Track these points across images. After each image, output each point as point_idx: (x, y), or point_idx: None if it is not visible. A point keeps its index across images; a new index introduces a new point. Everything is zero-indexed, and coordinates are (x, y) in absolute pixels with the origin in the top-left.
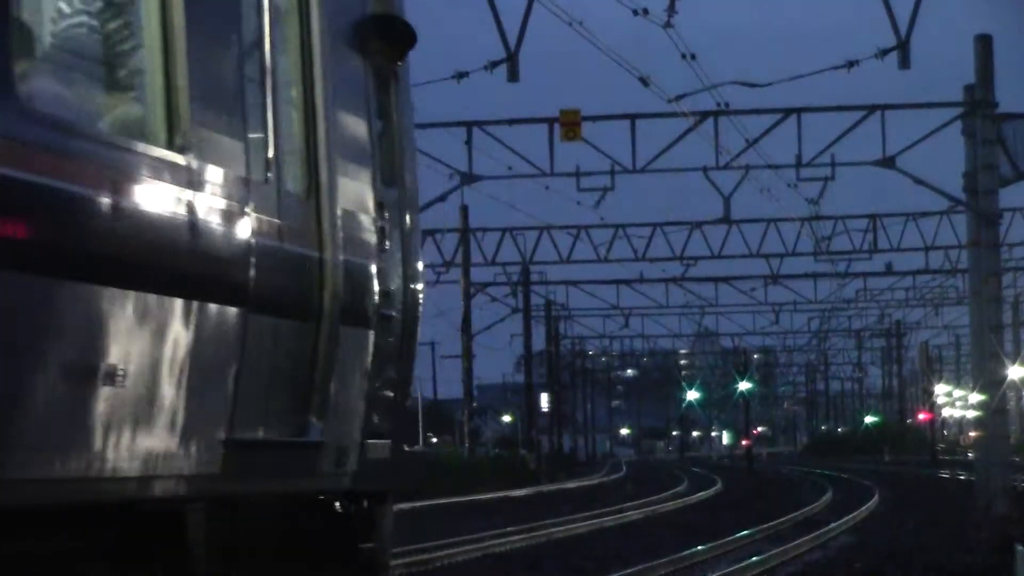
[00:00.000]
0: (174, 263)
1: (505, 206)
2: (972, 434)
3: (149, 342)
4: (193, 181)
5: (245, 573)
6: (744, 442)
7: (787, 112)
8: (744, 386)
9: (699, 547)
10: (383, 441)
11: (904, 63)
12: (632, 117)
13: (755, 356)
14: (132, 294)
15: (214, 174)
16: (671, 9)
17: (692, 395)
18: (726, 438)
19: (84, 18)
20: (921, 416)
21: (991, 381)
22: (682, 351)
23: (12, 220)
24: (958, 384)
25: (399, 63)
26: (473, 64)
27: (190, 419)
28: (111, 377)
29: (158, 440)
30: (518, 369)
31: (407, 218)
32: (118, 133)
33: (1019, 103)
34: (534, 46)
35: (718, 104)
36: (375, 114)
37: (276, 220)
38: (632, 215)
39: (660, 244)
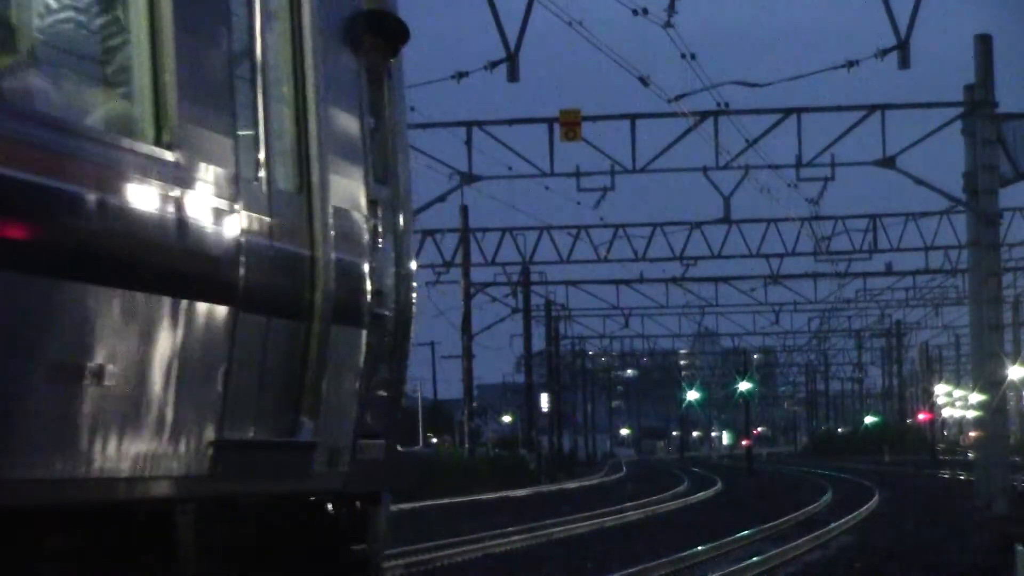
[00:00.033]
0: (161, 261)
1: (505, 206)
2: (972, 434)
3: (136, 341)
4: (181, 178)
5: (234, 575)
6: (744, 442)
7: (787, 112)
8: (744, 386)
9: (699, 547)
10: (376, 441)
11: (904, 63)
12: (632, 117)
13: (755, 356)
14: (119, 292)
15: (203, 171)
16: (671, 9)
17: (692, 395)
18: (726, 438)
19: (71, 13)
20: (921, 416)
21: (991, 381)
22: (682, 351)
23: None
24: (958, 384)
25: (392, 60)
26: (473, 64)
27: (179, 419)
28: (97, 377)
29: (146, 440)
30: (518, 369)
31: (400, 216)
32: (104, 129)
33: (1019, 103)
34: (534, 46)
35: (718, 104)
36: (368, 111)
37: (267, 218)
38: (632, 215)
39: (660, 244)
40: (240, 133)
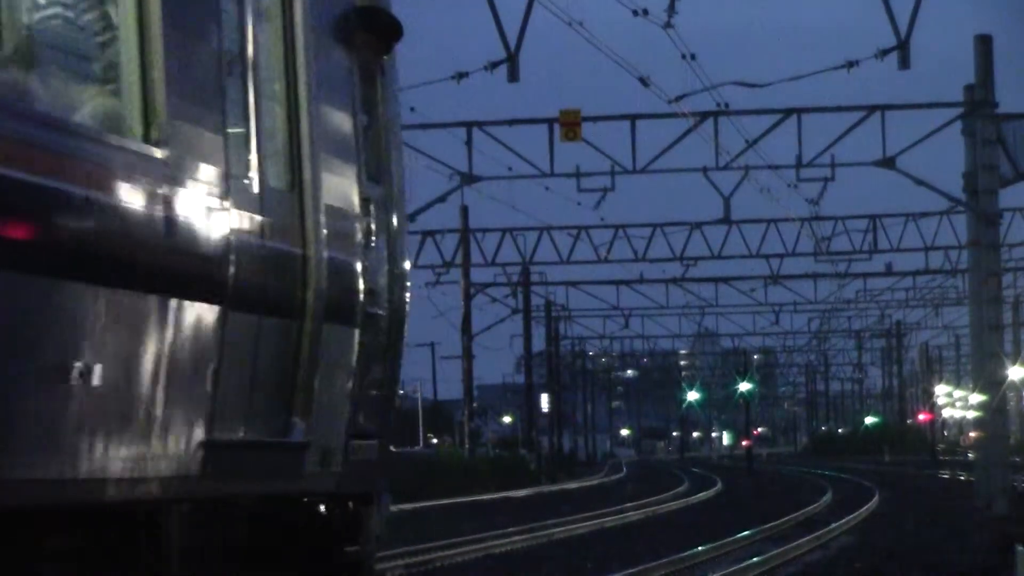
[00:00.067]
0: (149, 259)
1: (505, 206)
2: (972, 434)
3: (124, 340)
4: (170, 176)
5: None
6: (744, 442)
7: (787, 112)
8: (744, 387)
9: (700, 547)
10: (369, 442)
11: (904, 63)
12: (632, 117)
13: (755, 357)
14: (105, 291)
15: (192, 169)
16: (671, 9)
17: (692, 396)
18: (726, 439)
19: (59, 9)
20: (921, 416)
21: (991, 381)
22: (682, 352)
23: None
24: (958, 384)
25: (385, 56)
26: (473, 64)
27: (168, 419)
28: (84, 376)
29: (134, 441)
30: (518, 370)
31: (394, 214)
32: (92, 126)
33: (1019, 103)
34: (534, 46)
35: (718, 104)
36: (360, 108)
37: (258, 216)
38: (632, 215)
39: (660, 244)
40: (231, 130)
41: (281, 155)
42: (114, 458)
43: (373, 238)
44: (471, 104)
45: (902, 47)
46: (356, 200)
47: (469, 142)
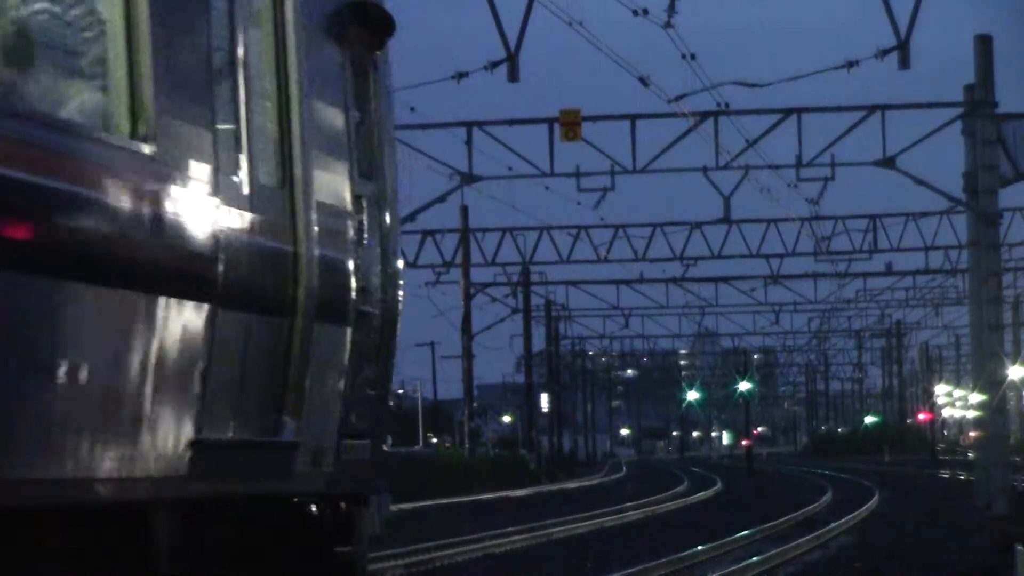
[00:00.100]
0: (137, 256)
1: (505, 206)
2: (972, 434)
3: (110, 339)
4: (157, 172)
5: None
6: (744, 442)
7: (787, 112)
8: (744, 386)
9: (699, 547)
10: (362, 441)
11: (904, 63)
12: (632, 117)
13: (755, 356)
14: (91, 289)
15: (180, 165)
16: (671, 9)
17: (692, 395)
18: (726, 438)
19: (46, 4)
20: (921, 416)
21: (991, 381)
22: (682, 351)
23: None
24: (958, 384)
25: (378, 52)
26: (473, 64)
27: (155, 418)
28: (70, 375)
29: (121, 440)
30: (518, 369)
31: (387, 211)
32: (78, 121)
33: (1019, 103)
34: (534, 46)
35: (718, 104)
36: (353, 104)
37: (247, 213)
38: (632, 215)
39: (660, 244)
40: (220, 127)
41: (272, 151)
42: (101, 458)
43: (365, 235)
44: (471, 104)
45: (902, 47)
46: (348, 197)
47: (469, 142)
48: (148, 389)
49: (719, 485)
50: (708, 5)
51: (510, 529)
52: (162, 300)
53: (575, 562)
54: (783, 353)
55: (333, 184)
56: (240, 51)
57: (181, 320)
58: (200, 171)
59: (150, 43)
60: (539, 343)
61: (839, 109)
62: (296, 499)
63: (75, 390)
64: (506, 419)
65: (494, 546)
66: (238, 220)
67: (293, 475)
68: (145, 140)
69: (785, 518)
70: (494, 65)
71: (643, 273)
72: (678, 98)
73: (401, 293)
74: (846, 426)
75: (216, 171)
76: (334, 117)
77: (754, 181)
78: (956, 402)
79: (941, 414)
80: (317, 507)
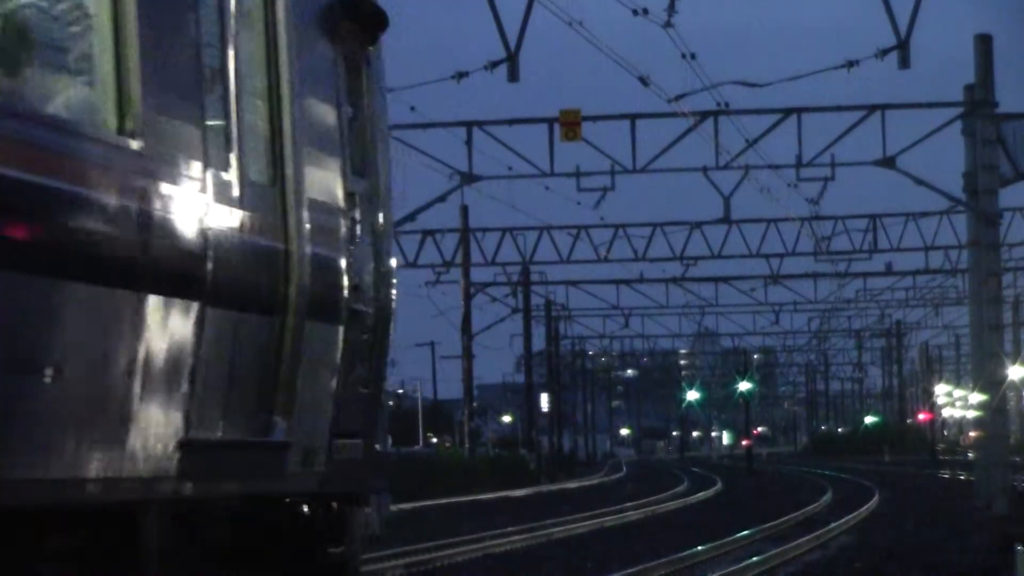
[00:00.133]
0: (123, 254)
1: (505, 206)
2: (972, 434)
3: (96, 337)
4: (145, 168)
5: None
6: (744, 442)
7: (787, 112)
8: (744, 386)
9: (699, 547)
10: (354, 441)
11: (904, 63)
12: (632, 117)
13: (755, 356)
14: (77, 286)
15: (168, 161)
16: (671, 9)
17: (692, 395)
18: (726, 438)
19: None
20: (921, 416)
21: (991, 381)
22: (682, 351)
23: None
24: (958, 384)
25: (371, 47)
26: (473, 64)
27: (143, 418)
28: (55, 374)
29: (107, 440)
30: (518, 369)
31: (380, 209)
32: (64, 117)
33: (1019, 103)
34: (534, 46)
35: (718, 104)
36: (345, 100)
37: (237, 210)
38: (632, 215)
39: (660, 244)
40: (209, 123)
41: (263, 148)
42: (87, 458)
43: (358, 233)
44: (471, 104)
45: (902, 47)
46: (340, 194)
47: (469, 142)
48: (135, 388)
49: (719, 485)
50: (708, 5)
51: (510, 529)
52: (149, 298)
53: (575, 562)
54: (783, 353)
55: (325, 181)
56: (230, 47)
57: (169, 318)
58: (189, 168)
59: (138, 38)
60: (539, 343)
61: (839, 109)
62: (287, 499)
63: (59, 390)
64: (506, 419)
65: (494, 546)
66: (228, 217)
67: (284, 475)
68: (133, 136)
69: (785, 518)
70: (494, 65)
71: (643, 273)
72: (678, 98)
73: (395, 291)
74: (846, 426)
75: (205, 168)
76: (326, 113)
77: (754, 181)
78: (956, 402)
79: (941, 414)
80: (309, 507)
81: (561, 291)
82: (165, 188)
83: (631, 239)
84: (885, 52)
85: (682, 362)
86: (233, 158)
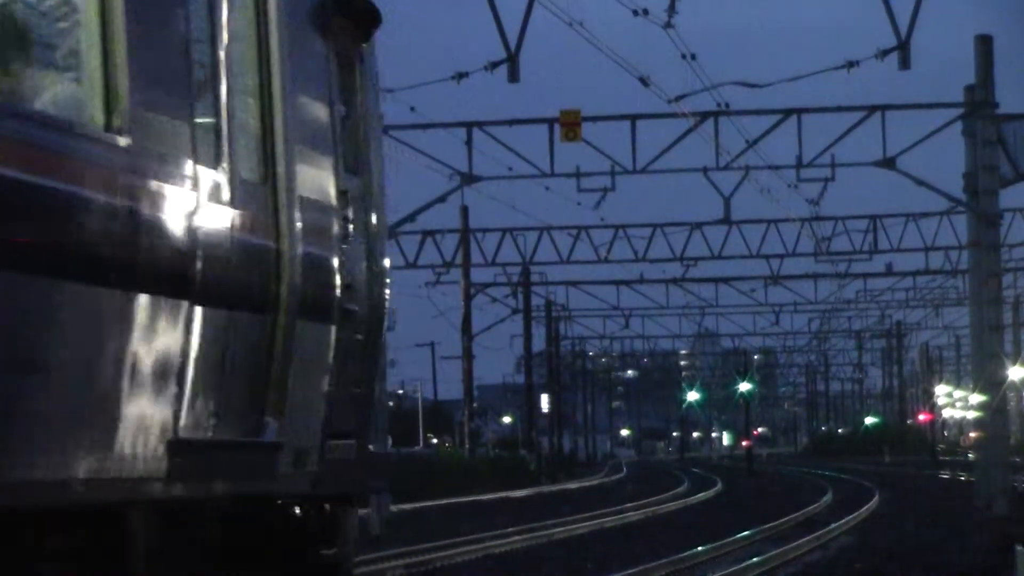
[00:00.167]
0: (111, 252)
1: (505, 206)
2: (972, 435)
3: (83, 337)
4: (132, 165)
5: None
6: (744, 443)
7: (787, 112)
8: (744, 387)
9: (699, 548)
10: (347, 441)
11: (904, 63)
12: (632, 117)
13: (755, 357)
14: (64, 285)
15: (157, 158)
16: (671, 9)
17: (692, 396)
18: (726, 439)
19: None
20: (921, 417)
21: (991, 382)
22: (682, 352)
23: None
24: (958, 385)
25: (364, 44)
26: (473, 64)
27: (132, 418)
28: (42, 374)
29: (96, 440)
30: (518, 370)
31: (373, 207)
32: (50, 113)
33: (1019, 103)
34: (534, 46)
35: (718, 104)
36: (338, 98)
37: (228, 208)
38: (632, 216)
39: (660, 245)
40: (199, 120)
41: (254, 146)
42: (76, 458)
43: (351, 231)
44: (471, 104)
45: (902, 47)
46: (333, 192)
47: (469, 142)
48: (124, 388)
49: (719, 486)
50: (708, 5)
51: (510, 529)
52: (138, 297)
53: (575, 563)
54: (783, 354)
55: (317, 179)
56: (220, 43)
57: (158, 318)
58: (178, 165)
59: (125, 33)
60: (539, 343)
61: (839, 109)
62: (279, 500)
63: (47, 389)
64: (506, 420)
65: (494, 547)
66: (218, 216)
67: (276, 476)
68: (120, 133)
69: (785, 519)
70: (494, 65)
71: (643, 273)
72: (678, 98)
73: (388, 290)
74: (846, 427)
75: (195, 165)
76: (318, 111)
77: (754, 181)
78: (956, 403)
79: (941, 415)
80: (301, 508)
81: (561, 292)
82: (153, 185)
83: (631, 240)
84: (885, 53)
85: (682, 363)
86: (224, 155)
